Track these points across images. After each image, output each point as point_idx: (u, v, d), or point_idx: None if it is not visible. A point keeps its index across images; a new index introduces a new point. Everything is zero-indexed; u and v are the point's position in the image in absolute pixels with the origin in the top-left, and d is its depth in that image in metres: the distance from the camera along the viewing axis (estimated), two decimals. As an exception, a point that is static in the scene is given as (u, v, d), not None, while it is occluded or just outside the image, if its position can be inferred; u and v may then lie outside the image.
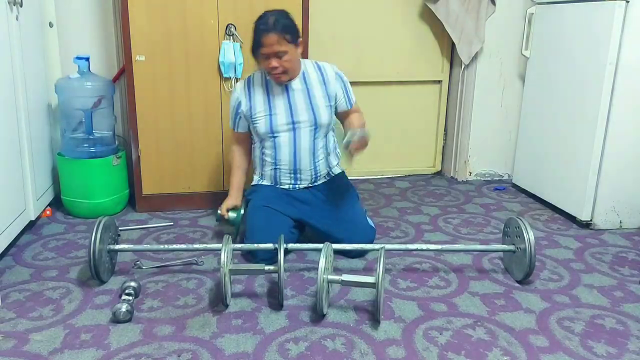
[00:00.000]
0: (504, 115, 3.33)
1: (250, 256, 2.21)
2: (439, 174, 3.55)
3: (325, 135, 2.28)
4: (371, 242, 2.28)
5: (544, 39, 2.89)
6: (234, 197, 2.35)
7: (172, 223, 2.62)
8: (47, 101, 2.67)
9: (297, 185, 2.28)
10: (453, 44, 3.21)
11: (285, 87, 2.22)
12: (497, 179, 3.42)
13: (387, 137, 3.44)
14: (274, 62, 2.10)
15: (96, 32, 2.86)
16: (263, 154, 2.28)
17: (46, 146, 2.65)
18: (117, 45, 2.87)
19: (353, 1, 3.17)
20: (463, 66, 3.22)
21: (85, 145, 2.67)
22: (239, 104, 2.26)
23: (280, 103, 2.21)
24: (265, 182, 2.32)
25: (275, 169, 2.26)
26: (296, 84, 2.22)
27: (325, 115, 2.23)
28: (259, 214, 2.23)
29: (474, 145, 3.35)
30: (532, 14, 2.98)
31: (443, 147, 3.54)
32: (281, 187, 2.29)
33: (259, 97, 2.23)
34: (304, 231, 2.35)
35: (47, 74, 2.67)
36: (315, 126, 2.22)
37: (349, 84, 2.31)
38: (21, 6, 2.24)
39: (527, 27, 3.04)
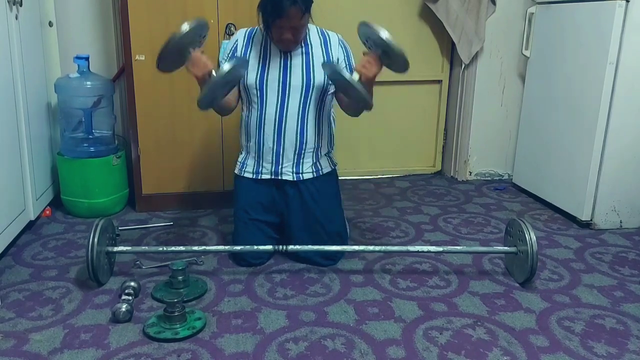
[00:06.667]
0: (504, 115, 3.32)
1: (239, 259, 2.17)
2: (439, 173, 3.55)
3: (318, 108, 2.13)
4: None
5: (544, 39, 2.89)
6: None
7: (171, 223, 2.62)
8: (47, 101, 2.66)
9: (280, 167, 2.13)
10: (453, 44, 3.21)
11: (284, 53, 2.07)
12: (497, 178, 3.42)
13: (387, 137, 3.44)
14: (288, 35, 1.95)
15: (96, 31, 2.86)
16: (250, 109, 2.12)
17: (46, 146, 2.64)
18: (117, 44, 2.87)
19: (352, 0, 3.17)
20: (463, 66, 3.21)
21: (85, 144, 2.67)
22: (236, 47, 2.11)
23: (275, 66, 2.06)
24: (248, 169, 2.17)
25: (260, 131, 2.09)
26: (296, 51, 2.07)
27: (320, 76, 2.07)
28: (241, 230, 2.18)
29: (474, 145, 3.35)
30: (533, 13, 2.98)
31: (443, 147, 3.53)
32: (264, 171, 2.14)
33: (255, 51, 2.08)
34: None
35: (47, 73, 2.67)
36: (308, 89, 2.07)
37: (352, 54, 2.16)
38: (21, 5, 2.24)
39: (528, 27, 3.03)
